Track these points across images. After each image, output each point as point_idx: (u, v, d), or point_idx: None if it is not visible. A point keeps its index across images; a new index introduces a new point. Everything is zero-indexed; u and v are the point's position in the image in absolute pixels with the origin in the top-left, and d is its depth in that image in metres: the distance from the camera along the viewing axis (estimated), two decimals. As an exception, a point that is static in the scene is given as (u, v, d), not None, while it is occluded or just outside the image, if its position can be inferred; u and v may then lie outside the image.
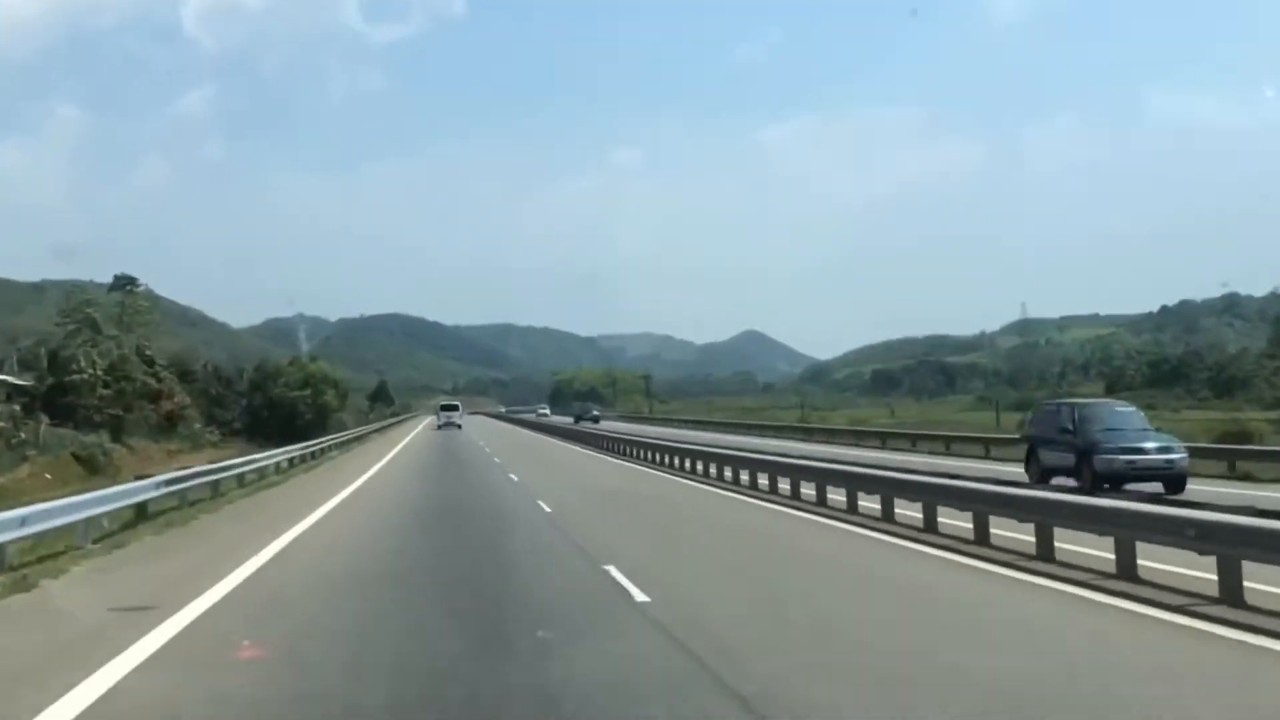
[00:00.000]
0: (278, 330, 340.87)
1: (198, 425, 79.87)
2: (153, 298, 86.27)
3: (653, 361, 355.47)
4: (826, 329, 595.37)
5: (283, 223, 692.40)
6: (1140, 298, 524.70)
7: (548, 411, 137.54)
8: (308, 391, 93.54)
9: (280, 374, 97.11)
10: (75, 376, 71.29)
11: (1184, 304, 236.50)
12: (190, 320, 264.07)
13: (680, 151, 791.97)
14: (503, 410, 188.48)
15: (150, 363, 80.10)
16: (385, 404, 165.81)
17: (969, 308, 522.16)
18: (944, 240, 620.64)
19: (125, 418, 73.82)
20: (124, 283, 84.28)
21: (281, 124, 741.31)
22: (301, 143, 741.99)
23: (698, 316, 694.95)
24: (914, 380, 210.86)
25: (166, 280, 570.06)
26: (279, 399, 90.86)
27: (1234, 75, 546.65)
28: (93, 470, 52.41)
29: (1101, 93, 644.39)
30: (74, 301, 79.60)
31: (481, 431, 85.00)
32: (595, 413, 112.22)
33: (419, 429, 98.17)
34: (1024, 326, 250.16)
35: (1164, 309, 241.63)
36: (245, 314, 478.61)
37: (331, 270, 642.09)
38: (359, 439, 71.06)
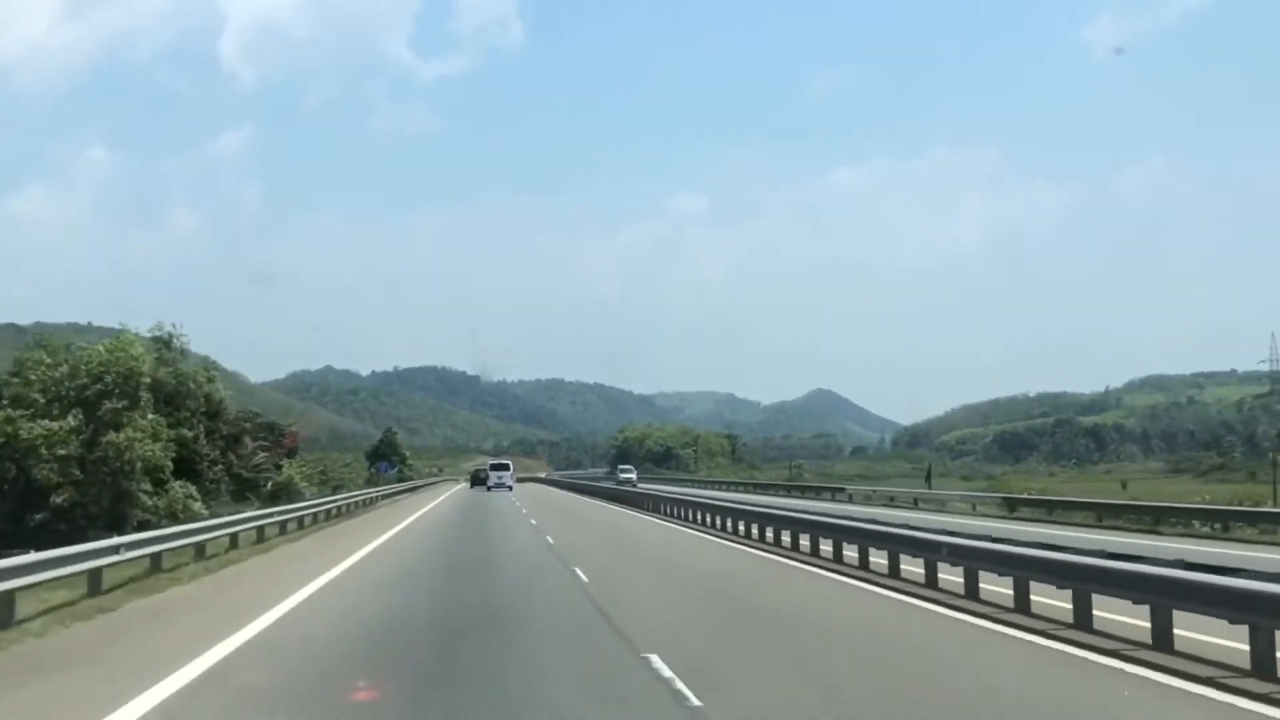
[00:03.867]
0: (302, 384, 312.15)
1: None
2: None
3: (715, 421, 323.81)
4: (903, 390, 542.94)
5: (315, 271, 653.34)
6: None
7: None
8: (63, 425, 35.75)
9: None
10: None
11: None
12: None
13: (745, 197, 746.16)
14: (603, 473, 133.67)
15: None
16: (394, 465, 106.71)
17: (1077, 365, 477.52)
18: (1038, 293, 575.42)
19: None
20: None
21: (318, 166, 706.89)
22: (339, 187, 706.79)
23: (762, 375, 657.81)
24: (1054, 444, 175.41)
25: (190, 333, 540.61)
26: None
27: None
28: None
29: (1195, 133, 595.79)
30: None
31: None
32: None
33: (425, 510, 50.40)
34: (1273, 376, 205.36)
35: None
36: (269, 369, 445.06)
37: (367, 322, 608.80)
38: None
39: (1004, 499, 49.78)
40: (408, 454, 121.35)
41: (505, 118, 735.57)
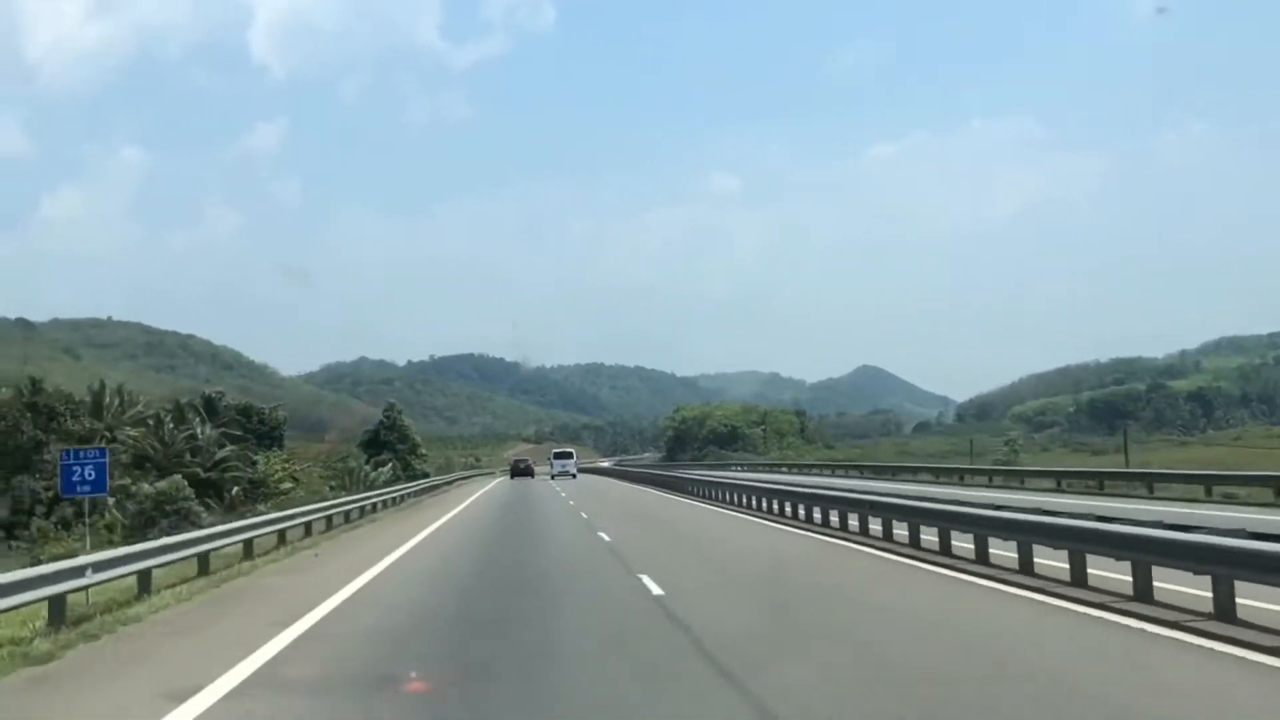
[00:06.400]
0: (336, 375, 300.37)
1: None
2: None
3: (761, 401, 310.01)
4: (951, 364, 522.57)
5: (350, 264, 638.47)
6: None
7: None
8: None
9: None
10: None
11: None
12: (223, 362, 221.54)
13: (780, 175, 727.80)
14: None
15: None
16: (398, 455, 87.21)
17: (1140, 329, 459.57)
18: (1087, 259, 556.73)
19: None
20: None
21: (353, 158, 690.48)
22: (374, 178, 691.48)
23: (806, 353, 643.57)
24: (1155, 411, 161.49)
25: (212, 326, 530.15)
26: None
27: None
28: None
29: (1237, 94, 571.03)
30: None
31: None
32: None
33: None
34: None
35: None
36: (303, 362, 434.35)
37: (403, 314, 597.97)
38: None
39: None
40: (418, 439, 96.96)
41: (537, 103, 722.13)
